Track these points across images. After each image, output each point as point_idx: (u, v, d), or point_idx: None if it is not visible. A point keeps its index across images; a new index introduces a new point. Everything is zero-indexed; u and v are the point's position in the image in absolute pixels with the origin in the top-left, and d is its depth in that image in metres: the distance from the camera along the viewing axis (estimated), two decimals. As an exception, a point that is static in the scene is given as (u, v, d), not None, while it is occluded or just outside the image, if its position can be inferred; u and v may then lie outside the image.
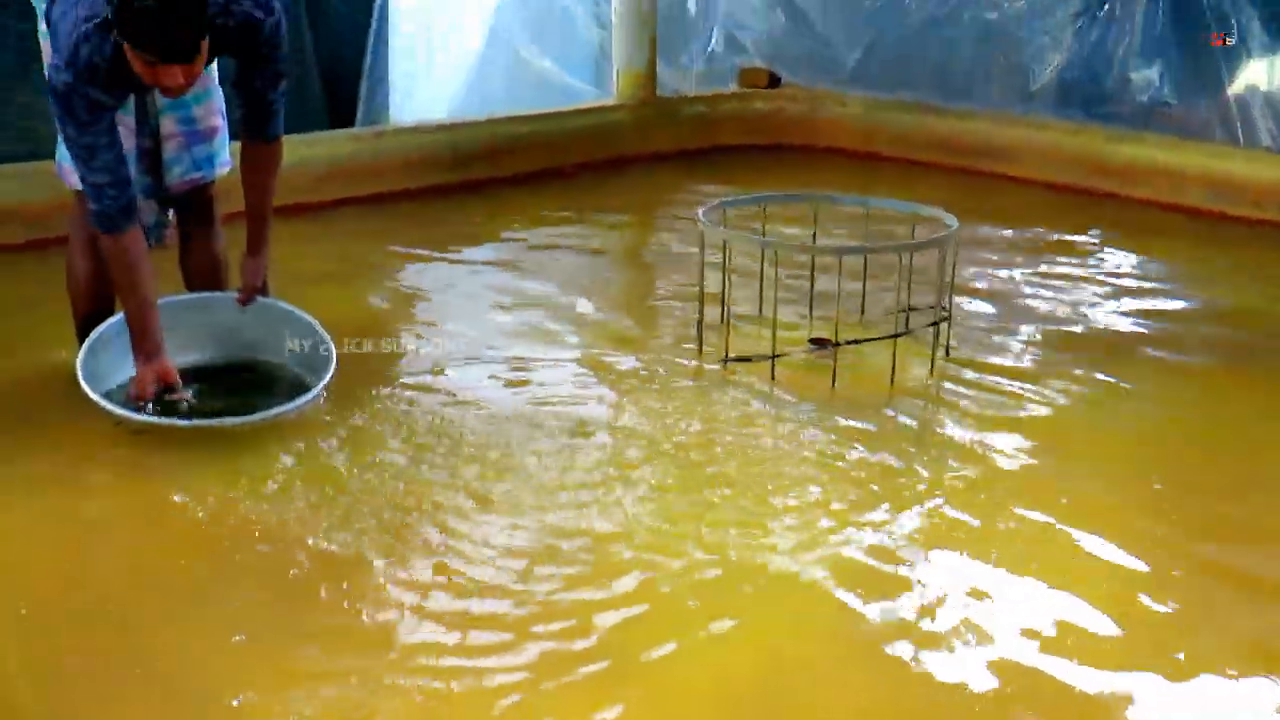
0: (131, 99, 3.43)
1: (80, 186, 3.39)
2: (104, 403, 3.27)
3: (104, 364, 3.45)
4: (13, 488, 3.13)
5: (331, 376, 3.48)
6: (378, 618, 2.61)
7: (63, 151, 3.44)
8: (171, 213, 3.65)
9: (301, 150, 5.67)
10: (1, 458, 3.26)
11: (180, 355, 3.51)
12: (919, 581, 2.77)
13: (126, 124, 3.43)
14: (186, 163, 3.56)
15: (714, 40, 8.26)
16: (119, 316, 3.47)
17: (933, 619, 2.64)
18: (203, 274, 3.72)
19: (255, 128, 3.45)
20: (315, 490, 3.09)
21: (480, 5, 7.19)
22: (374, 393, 3.65)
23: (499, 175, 6.45)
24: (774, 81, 7.91)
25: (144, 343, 3.35)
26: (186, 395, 3.41)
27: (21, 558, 2.86)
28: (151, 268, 3.35)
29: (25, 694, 2.42)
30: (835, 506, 3.06)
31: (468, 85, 7.15)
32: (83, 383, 3.28)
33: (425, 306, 4.62)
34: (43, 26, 3.43)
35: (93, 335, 3.45)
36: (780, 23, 8.02)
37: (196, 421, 3.33)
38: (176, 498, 3.05)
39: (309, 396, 3.40)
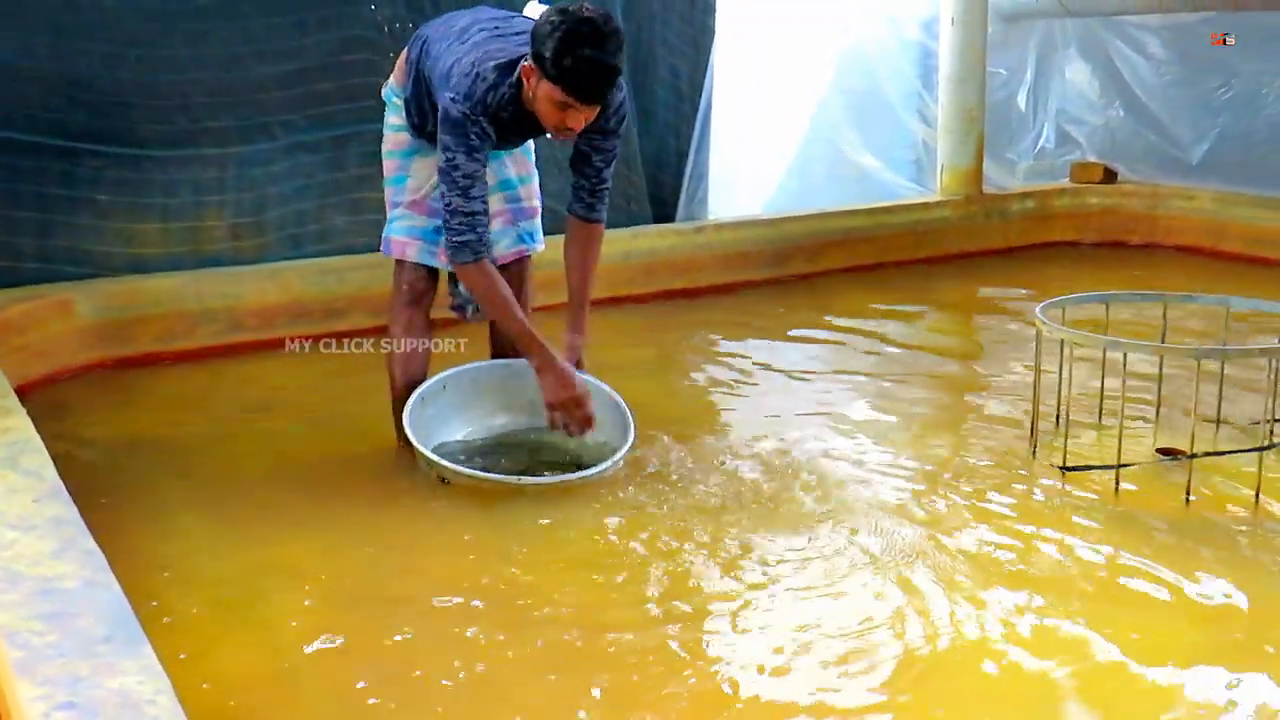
0: None
1: (407, 257, 3.64)
2: (431, 455, 3.42)
3: (428, 421, 3.60)
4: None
5: (630, 447, 3.57)
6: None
7: (392, 227, 3.67)
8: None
9: (626, 243, 5.81)
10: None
11: (491, 419, 3.76)
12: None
13: None
14: (512, 236, 3.76)
15: (1044, 135, 7.96)
16: (437, 379, 3.67)
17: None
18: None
19: (585, 207, 3.61)
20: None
21: (801, 100, 7.17)
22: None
23: (818, 270, 6.37)
24: (1110, 177, 7.52)
25: (541, 351, 3.49)
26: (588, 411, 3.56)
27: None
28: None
29: None
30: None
31: (786, 179, 7.13)
32: (410, 434, 3.45)
33: (730, 398, 4.54)
34: (390, 119, 3.66)
35: (418, 392, 3.61)
36: (1118, 116, 7.64)
37: (526, 479, 3.42)
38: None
39: (617, 456, 3.51)
